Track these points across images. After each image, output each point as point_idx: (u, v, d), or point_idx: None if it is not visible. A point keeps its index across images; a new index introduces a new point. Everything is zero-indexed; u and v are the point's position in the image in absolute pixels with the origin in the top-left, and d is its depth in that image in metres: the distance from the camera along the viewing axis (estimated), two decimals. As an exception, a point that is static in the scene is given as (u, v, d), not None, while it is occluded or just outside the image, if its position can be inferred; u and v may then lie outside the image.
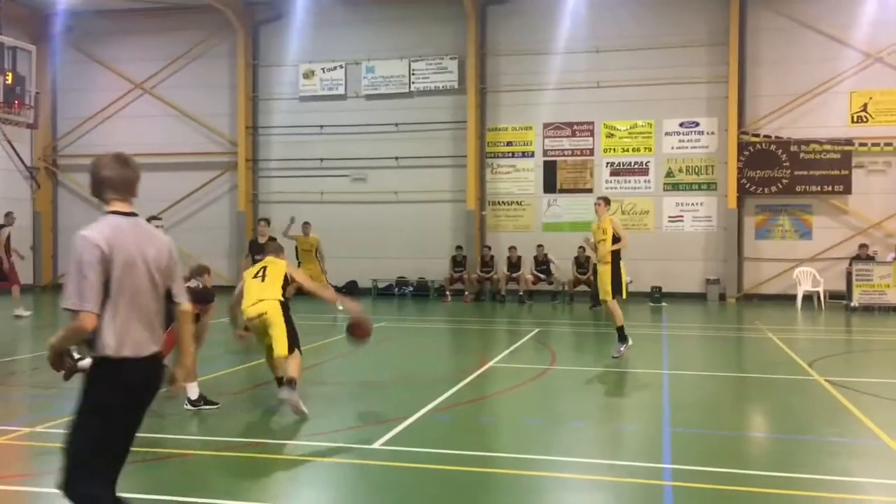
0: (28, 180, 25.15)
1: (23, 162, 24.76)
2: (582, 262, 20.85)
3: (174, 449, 6.47)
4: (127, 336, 3.63)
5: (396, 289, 22.81)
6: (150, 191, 24.81)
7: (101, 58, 25.19)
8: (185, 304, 3.98)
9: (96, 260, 3.55)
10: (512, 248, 21.71)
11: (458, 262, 22.07)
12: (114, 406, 3.66)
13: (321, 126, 23.67)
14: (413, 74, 23.16)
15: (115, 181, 3.75)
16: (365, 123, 23.38)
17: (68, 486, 3.62)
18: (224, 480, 5.85)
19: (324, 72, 23.83)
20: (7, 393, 9.08)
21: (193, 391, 7.81)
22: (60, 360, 3.76)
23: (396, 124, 23.14)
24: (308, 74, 23.94)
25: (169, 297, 3.90)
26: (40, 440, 6.77)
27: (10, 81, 16.49)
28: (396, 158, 23.18)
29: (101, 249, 3.56)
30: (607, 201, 11.52)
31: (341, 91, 23.78)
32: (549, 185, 22.61)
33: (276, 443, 6.99)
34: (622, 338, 11.15)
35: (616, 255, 11.15)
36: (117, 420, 3.67)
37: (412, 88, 23.19)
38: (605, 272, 11.17)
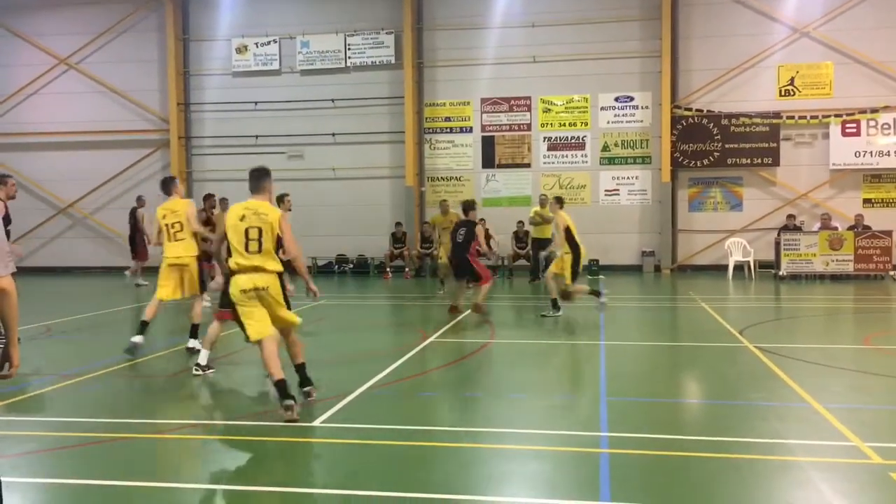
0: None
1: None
2: (521, 237, 21.02)
3: (112, 433, 6.33)
4: None
5: (336, 266, 22.68)
6: (79, 170, 24.40)
7: (22, 32, 24.20)
8: None
9: None
10: (451, 224, 21.73)
11: (397, 239, 22.03)
12: None
13: (255, 102, 23.24)
14: (349, 49, 22.87)
15: None
16: (300, 99, 23.05)
17: None
18: (164, 463, 5.77)
19: (257, 46, 23.36)
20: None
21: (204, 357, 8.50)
22: None
23: (333, 100, 22.86)
24: (241, 49, 23.44)
25: None
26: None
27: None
28: (333, 135, 22.94)
29: None
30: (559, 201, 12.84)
31: (276, 66, 23.36)
32: (488, 161, 22.67)
33: (215, 423, 6.91)
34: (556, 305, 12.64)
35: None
36: None
37: (348, 63, 22.91)
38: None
